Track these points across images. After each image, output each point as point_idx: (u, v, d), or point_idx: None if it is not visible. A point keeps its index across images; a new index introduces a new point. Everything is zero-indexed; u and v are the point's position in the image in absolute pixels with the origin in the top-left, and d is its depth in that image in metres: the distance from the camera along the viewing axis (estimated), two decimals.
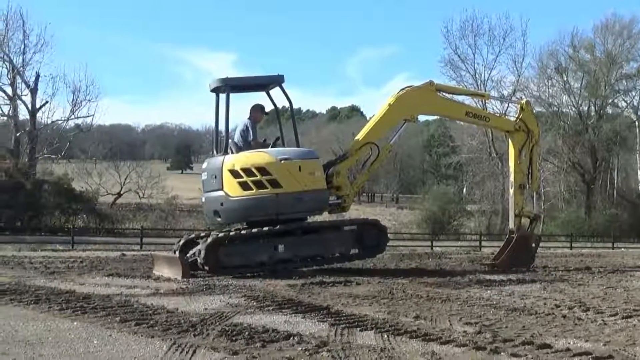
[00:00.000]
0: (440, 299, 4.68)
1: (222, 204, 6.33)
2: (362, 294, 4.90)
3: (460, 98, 8.69)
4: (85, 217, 19.43)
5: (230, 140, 6.57)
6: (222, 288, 5.15)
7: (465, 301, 4.63)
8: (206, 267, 6.06)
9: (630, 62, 27.34)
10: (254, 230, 6.20)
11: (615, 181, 29.27)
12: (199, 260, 6.09)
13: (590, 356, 2.93)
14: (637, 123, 27.58)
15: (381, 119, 7.34)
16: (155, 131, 69.94)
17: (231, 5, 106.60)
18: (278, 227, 6.26)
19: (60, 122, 21.83)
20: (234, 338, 3.13)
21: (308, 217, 6.74)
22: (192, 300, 4.47)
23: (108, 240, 14.32)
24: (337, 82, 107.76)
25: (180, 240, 6.86)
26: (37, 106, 20.74)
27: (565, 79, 27.30)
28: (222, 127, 6.61)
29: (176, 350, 2.91)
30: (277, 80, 6.68)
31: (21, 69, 20.41)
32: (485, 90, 24.04)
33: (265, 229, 6.20)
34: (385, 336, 3.29)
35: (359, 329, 3.47)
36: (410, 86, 7.56)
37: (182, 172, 54.31)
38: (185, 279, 5.63)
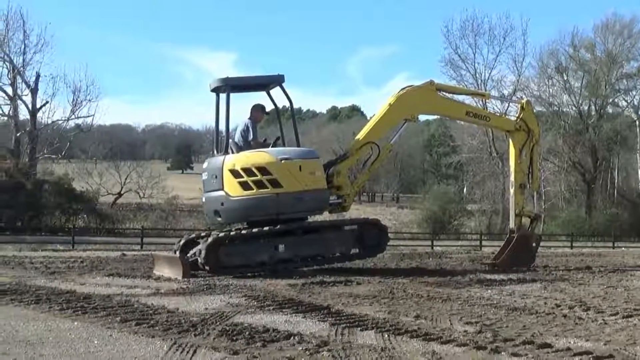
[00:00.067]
0: (441, 299, 4.67)
1: (222, 204, 6.33)
2: (362, 293, 4.90)
3: (460, 98, 8.68)
4: (85, 217, 19.45)
5: (230, 140, 6.56)
6: (223, 288, 5.14)
7: (466, 301, 4.62)
8: (207, 267, 6.06)
9: (630, 62, 27.40)
10: (255, 230, 6.19)
11: (616, 180, 29.27)
12: (199, 260, 6.09)
13: (590, 355, 2.92)
14: (637, 122, 27.56)
15: (381, 118, 7.33)
16: (156, 131, 69.90)
17: (231, 5, 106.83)
18: (278, 226, 6.26)
19: (60, 122, 21.90)
20: (234, 338, 3.13)
21: (308, 216, 6.74)
22: (192, 300, 4.47)
23: (108, 240, 14.32)
24: (338, 82, 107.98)
25: (180, 240, 6.86)
26: (38, 106, 20.77)
27: (565, 78, 27.32)
28: (222, 127, 6.61)
29: (177, 350, 2.90)
30: (277, 80, 6.68)
31: (21, 69, 20.47)
32: (485, 90, 24.02)
33: (266, 228, 6.20)
34: (386, 336, 3.28)
35: (359, 328, 3.47)
36: (411, 86, 7.56)
37: (182, 172, 54.32)
38: (185, 279, 5.63)
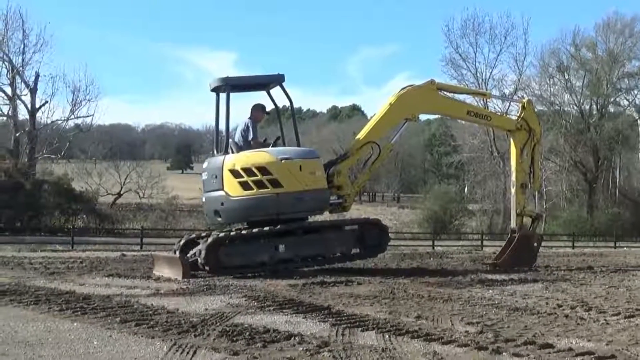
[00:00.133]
0: (442, 299, 4.66)
1: (222, 204, 6.32)
2: (363, 293, 4.89)
3: (461, 97, 8.66)
4: (85, 218, 19.45)
5: (230, 140, 6.55)
6: (223, 288, 5.13)
7: (467, 301, 4.61)
8: (207, 267, 6.04)
9: (632, 61, 27.34)
10: (255, 230, 6.18)
11: (618, 180, 29.20)
12: (199, 261, 6.08)
13: (592, 356, 2.91)
14: (639, 121, 27.51)
15: (382, 118, 7.31)
16: (156, 131, 69.76)
17: (231, 5, 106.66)
18: (279, 227, 6.25)
19: (59, 122, 21.89)
20: (234, 338, 3.12)
21: (309, 216, 6.72)
22: (192, 301, 4.45)
23: (108, 241, 14.29)
24: (338, 82, 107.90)
25: (180, 240, 6.85)
26: (37, 106, 20.76)
27: (567, 77, 27.25)
28: (222, 126, 6.59)
29: (177, 350, 2.89)
30: (277, 80, 6.66)
31: (21, 68, 20.42)
32: (486, 89, 23.99)
33: (266, 228, 6.18)
34: (387, 336, 3.27)
35: (360, 329, 3.46)
36: (411, 85, 7.53)
37: (182, 172, 54.29)
38: (185, 279, 5.62)
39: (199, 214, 20.59)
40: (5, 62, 20.26)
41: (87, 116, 21.83)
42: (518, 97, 22.24)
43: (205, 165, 6.88)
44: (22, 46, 20.40)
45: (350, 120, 49.61)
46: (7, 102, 20.42)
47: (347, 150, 7.30)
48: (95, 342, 3.06)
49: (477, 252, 12.07)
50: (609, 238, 20.13)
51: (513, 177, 8.03)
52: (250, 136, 6.52)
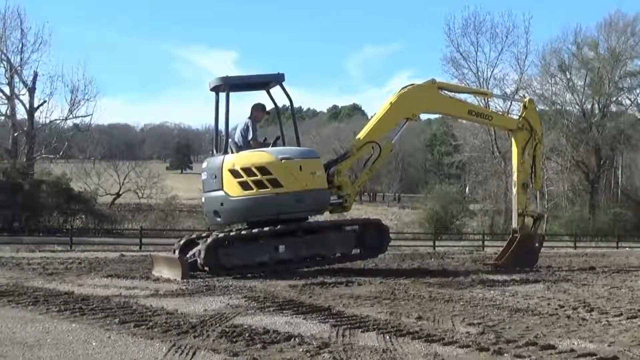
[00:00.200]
0: (443, 300, 4.64)
1: (222, 204, 6.30)
2: (364, 294, 4.87)
3: (462, 96, 8.63)
4: (83, 218, 19.36)
5: (230, 140, 6.53)
6: (222, 289, 5.12)
7: (468, 302, 4.59)
8: (206, 268, 6.03)
9: (634, 60, 27.25)
10: (255, 230, 6.16)
11: (620, 180, 29.13)
12: (198, 261, 6.06)
13: (594, 357, 2.90)
14: None
15: (382, 117, 7.29)
16: (155, 130, 69.52)
17: (231, 3, 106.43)
18: (279, 227, 6.23)
19: (58, 121, 21.74)
20: (234, 339, 3.11)
21: (309, 217, 6.70)
22: (192, 302, 4.44)
23: (107, 241, 14.26)
24: (338, 81, 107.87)
25: (180, 241, 6.84)
26: (35, 105, 20.70)
27: (568, 76, 27.19)
28: (222, 126, 6.58)
29: (176, 352, 2.88)
30: (277, 79, 6.64)
31: (19, 68, 20.34)
32: (487, 89, 23.94)
33: (266, 229, 6.16)
34: (388, 337, 3.26)
35: (360, 330, 3.44)
36: (412, 84, 7.51)
37: (181, 172, 54.16)
38: (184, 280, 5.60)
39: (199, 214, 20.56)
40: (4, 62, 20.27)
41: (86, 116, 21.81)
42: (519, 96, 22.17)
43: (204, 165, 6.86)
44: (21, 45, 20.39)
45: (350, 120, 49.52)
46: (5, 101, 20.37)
47: (348, 150, 7.28)
48: (94, 343, 3.05)
49: (478, 253, 12.04)
50: (611, 238, 20.13)
51: (514, 177, 8.00)
52: (250, 136, 6.50)
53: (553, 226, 23.65)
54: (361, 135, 7.27)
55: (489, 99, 20.57)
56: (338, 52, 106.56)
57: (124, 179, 27.31)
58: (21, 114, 20.95)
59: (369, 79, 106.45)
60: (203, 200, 6.81)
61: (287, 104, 6.86)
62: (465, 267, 7.96)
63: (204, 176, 6.71)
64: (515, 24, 27.79)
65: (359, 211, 25.08)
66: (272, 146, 6.63)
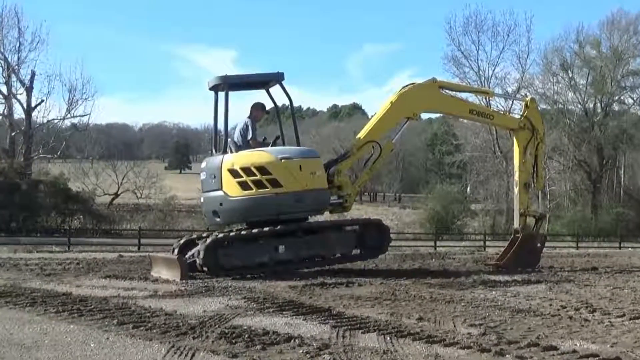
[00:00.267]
0: (444, 300, 4.62)
1: (221, 204, 6.28)
2: (364, 295, 4.85)
3: (464, 95, 8.60)
4: (81, 218, 19.25)
5: (229, 139, 6.50)
6: (222, 290, 5.10)
7: (470, 302, 4.56)
8: (205, 268, 6.01)
9: (636, 59, 27.14)
10: (254, 230, 6.14)
11: (622, 179, 29.04)
12: (197, 262, 6.04)
13: (597, 358, 2.88)
14: None
15: (383, 117, 7.26)
16: (153, 130, 69.18)
17: (231, 2, 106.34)
18: (278, 227, 6.20)
19: (56, 121, 21.64)
20: (233, 341, 3.09)
21: (309, 217, 6.67)
22: (191, 302, 4.43)
23: (105, 242, 14.24)
24: (338, 80, 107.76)
25: (179, 241, 6.82)
26: (33, 105, 20.57)
27: (570, 75, 27.12)
28: (221, 125, 6.56)
29: (175, 353, 2.87)
30: (276, 78, 6.62)
31: (16, 67, 20.23)
32: (489, 87, 23.87)
33: (266, 229, 6.14)
34: (388, 338, 3.24)
35: (361, 331, 3.43)
36: (413, 83, 7.48)
37: (180, 172, 54.07)
38: (183, 281, 5.59)
39: (198, 214, 20.56)
40: (1, 61, 20.12)
41: (84, 115, 21.70)
42: (521, 95, 22.09)
43: (203, 165, 6.83)
44: (18, 44, 20.26)
45: (350, 119, 49.50)
46: (3, 101, 20.29)
47: (348, 150, 7.26)
48: (92, 345, 3.04)
49: (479, 253, 12.00)
50: (613, 238, 20.05)
51: (516, 177, 7.96)
52: (250, 135, 6.47)
53: (555, 226, 23.57)
54: (361, 134, 7.24)
55: (491, 98, 20.53)
56: (338, 51, 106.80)
57: (123, 179, 27.24)
58: (18, 113, 20.94)
59: (369, 78, 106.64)
60: (202, 200, 6.79)
61: (287, 103, 6.85)
62: (466, 267, 7.93)
63: (202, 176, 6.68)
64: (517, 22, 27.99)
65: (359, 211, 25.08)
66: (271, 146, 6.60)
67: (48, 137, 21.53)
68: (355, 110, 60.44)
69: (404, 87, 7.38)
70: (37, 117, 20.93)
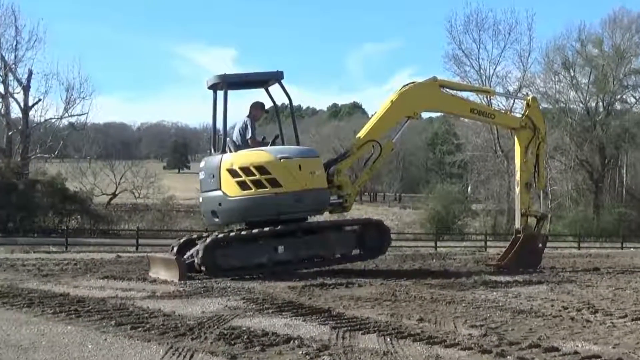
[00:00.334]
0: (445, 301, 4.60)
1: (220, 204, 6.25)
2: (364, 296, 4.83)
3: (464, 94, 8.57)
4: (79, 218, 19.16)
5: (228, 139, 6.47)
6: (220, 290, 5.08)
7: (471, 303, 4.54)
8: (203, 268, 5.98)
9: (639, 57, 27.06)
10: (253, 231, 6.11)
11: (624, 179, 28.96)
12: (196, 262, 6.01)
13: (599, 359, 2.86)
14: None
15: (383, 116, 7.22)
16: (151, 129, 68.68)
17: (230, 0, 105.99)
18: (278, 227, 6.17)
19: (53, 120, 21.48)
20: (232, 342, 3.07)
21: (308, 217, 6.64)
22: (189, 303, 4.41)
23: (103, 242, 14.19)
24: (338, 79, 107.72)
25: (179, 240, 6.79)
26: (30, 104, 20.42)
27: (572, 74, 27.07)
28: (220, 125, 6.53)
29: (173, 354, 2.85)
30: (276, 77, 6.58)
31: (13, 66, 20.08)
32: (490, 86, 23.84)
33: (265, 229, 6.11)
34: (388, 339, 3.22)
35: (361, 332, 3.41)
36: (414, 82, 7.44)
37: (178, 172, 53.91)
38: (182, 281, 5.56)
39: (196, 214, 20.47)
40: None
41: (81, 114, 21.55)
42: (522, 94, 22.01)
43: (202, 164, 6.80)
44: (15, 43, 20.09)
45: (350, 118, 49.42)
46: (0, 100, 20.13)
47: (348, 149, 7.23)
48: (89, 346, 3.02)
49: (480, 253, 11.97)
50: (615, 238, 20.00)
51: (517, 176, 7.94)
52: (249, 135, 6.44)
53: (557, 226, 23.55)
54: (361, 134, 7.21)
55: (492, 97, 20.47)
56: (338, 49, 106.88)
57: (120, 178, 27.12)
58: (15, 112, 20.75)
59: (369, 77, 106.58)
60: (201, 200, 6.76)
61: (286, 102, 6.80)
62: (467, 268, 7.90)
63: (201, 176, 6.65)
64: (518, 20, 27.90)
65: (359, 211, 25.05)
66: (270, 145, 6.57)
67: (45, 136, 21.40)
68: (355, 109, 60.38)
69: (404, 86, 7.34)
70: (34, 117, 20.81)
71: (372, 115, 8.92)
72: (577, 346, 3.13)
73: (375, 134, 7.15)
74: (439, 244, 15.52)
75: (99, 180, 26.27)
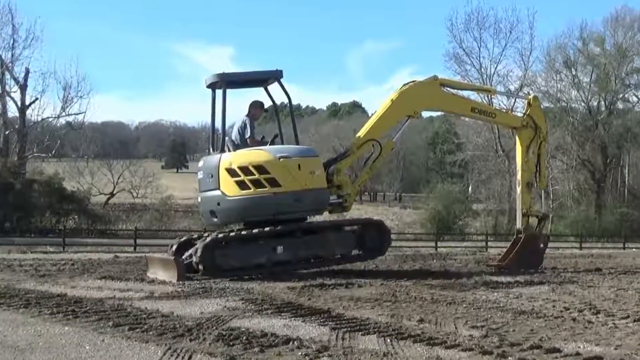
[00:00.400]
0: (445, 302, 4.57)
1: (218, 204, 6.22)
2: (364, 296, 4.80)
3: (465, 93, 8.55)
4: (76, 218, 19.06)
5: (227, 138, 6.45)
6: (219, 291, 5.05)
7: (471, 304, 4.52)
8: (202, 269, 5.95)
9: None
10: (253, 231, 6.08)
11: (627, 179, 28.91)
12: (194, 260, 5.98)
13: None
14: None
15: (383, 115, 7.19)
16: (149, 128, 68.09)
17: None
18: (277, 227, 6.15)
19: (50, 119, 21.34)
20: (231, 343, 3.05)
21: (308, 217, 6.61)
22: (187, 304, 4.39)
23: (101, 242, 14.12)
24: (338, 77, 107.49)
25: (177, 241, 6.77)
26: (27, 103, 20.34)
27: (574, 73, 27.01)
28: (218, 124, 6.57)
29: (171, 355, 2.83)
30: (275, 76, 6.55)
31: (10, 64, 19.96)
32: (491, 85, 23.80)
33: (265, 229, 6.08)
34: (388, 340, 3.20)
35: (361, 333, 3.39)
36: (414, 81, 7.41)
37: (177, 171, 53.76)
38: (180, 282, 5.53)
39: (195, 214, 20.47)
40: None
41: (79, 113, 21.47)
42: (524, 93, 22.01)
43: (200, 164, 6.77)
44: (12, 41, 20.00)
45: (350, 118, 49.35)
46: None
47: (348, 149, 7.20)
48: (87, 347, 3.00)
49: (481, 254, 11.96)
50: (617, 239, 20.02)
51: (518, 176, 7.91)
52: (248, 134, 6.41)
53: (558, 226, 23.50)
54: (361, 133, 7.18)
55: (493, 96, 20.42)
56: (337, 48, 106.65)
57: (118, 178, 27.10)
58: (12, 111, 20.66)
59: (369, 76, 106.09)
60: (199, 200, 6.74)
61: (286, 101, 6.78)
62: (468, 268, 7.86)
63: (200, 175, 6.62)
64: (520, 19, 27.85)
65: (359, 211, 25.03)
66: (270, 144, 6.54)
67: (42, 135, 21.27)
68: (355, 108, 60.27)
69: (404, 85, 7.31)
70: (31, 116, 20.73)
71: (372, 115, 8.89)
72: (579, 347, 3.11)
73: (376, 133, 7.12)
74: (439, 244, 15.51)
75: (96, 180, 26.21)
